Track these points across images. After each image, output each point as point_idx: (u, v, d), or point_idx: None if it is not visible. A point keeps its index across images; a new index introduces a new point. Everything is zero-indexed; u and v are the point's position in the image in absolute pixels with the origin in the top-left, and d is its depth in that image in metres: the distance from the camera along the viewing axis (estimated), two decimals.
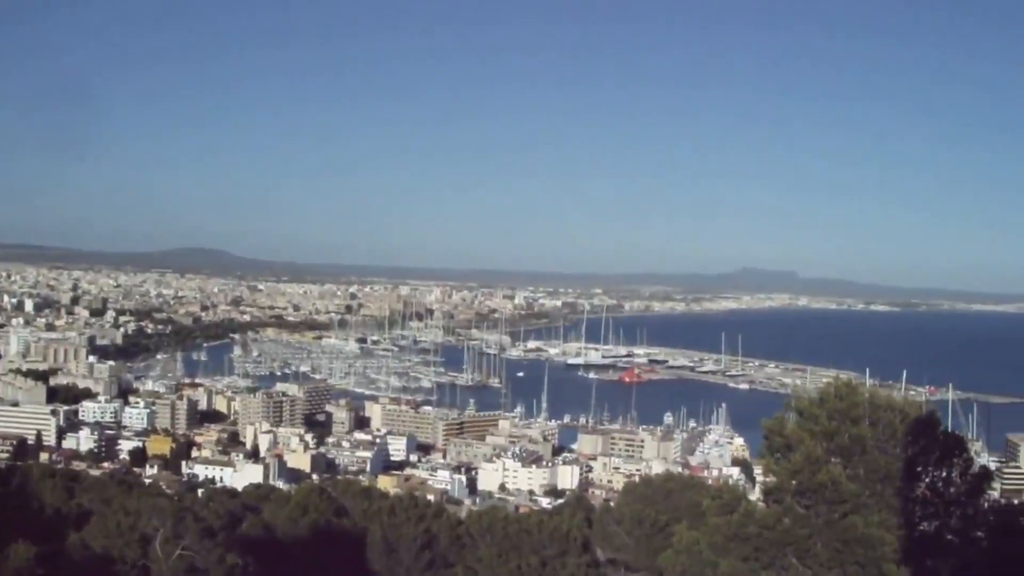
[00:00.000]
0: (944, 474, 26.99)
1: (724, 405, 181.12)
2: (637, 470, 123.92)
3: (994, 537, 27.12)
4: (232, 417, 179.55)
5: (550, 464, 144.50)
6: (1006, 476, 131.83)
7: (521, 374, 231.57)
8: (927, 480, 26.42)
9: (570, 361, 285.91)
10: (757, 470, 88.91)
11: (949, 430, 30.52)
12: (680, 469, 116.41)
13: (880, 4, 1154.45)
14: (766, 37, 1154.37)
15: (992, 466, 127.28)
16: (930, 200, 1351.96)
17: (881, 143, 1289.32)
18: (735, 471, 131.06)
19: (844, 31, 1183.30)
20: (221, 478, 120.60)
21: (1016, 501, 43.32)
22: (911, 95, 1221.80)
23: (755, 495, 25.26)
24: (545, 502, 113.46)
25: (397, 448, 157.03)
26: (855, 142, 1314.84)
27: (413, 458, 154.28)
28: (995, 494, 58.52)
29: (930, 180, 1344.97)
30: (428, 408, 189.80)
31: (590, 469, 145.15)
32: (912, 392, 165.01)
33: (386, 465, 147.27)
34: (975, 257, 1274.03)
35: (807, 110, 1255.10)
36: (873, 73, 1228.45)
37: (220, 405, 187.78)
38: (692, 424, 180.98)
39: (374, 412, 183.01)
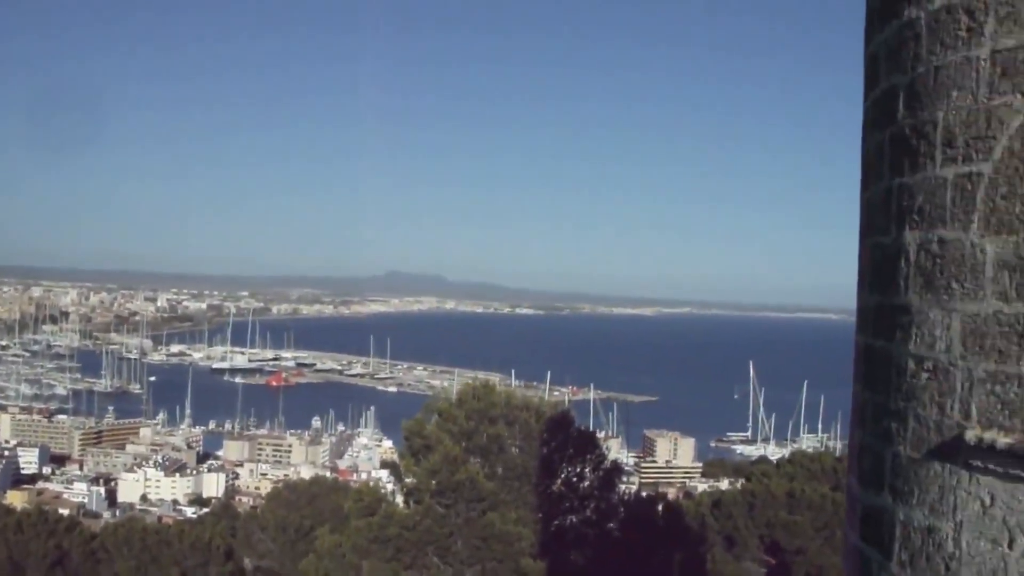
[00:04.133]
0: (578, 470, 28.40)
1: (372, 408, 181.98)
2: (285, 475, 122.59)
3: (627, 528, 28.73)
4: None
5: (194, 472, 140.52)
6: (644, 470, 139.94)
7: (153, 378, 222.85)
8: (562, 476, 27.68)
9: (215, 365, 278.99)
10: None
11: (583, 428, 32.08)
12: (328, 473, 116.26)
13: None
14: (381, 38, 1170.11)
15: (631, 461, 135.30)
16: (572, 207, 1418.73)
17: (521, 150, 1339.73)
18: (384, 473, 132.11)
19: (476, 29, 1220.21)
20: None
21: (648, 494, 45.86)
22: (543, 104, 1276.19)
23: (402, 497, 25.62)
24: (190, 512, 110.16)
25: (28, 460, 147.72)
26: (497, 147, 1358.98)
27: (47, 471, 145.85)
28: (634, 487, 61.97)
29: (570, 189, 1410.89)
30: (63, 417, 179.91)
31: (237, 476, 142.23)
32: (556, 392, 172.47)
33: (16, 479, 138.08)
34: (615, 263, 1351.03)
35: (448, 112, 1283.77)
36: (522, 74, 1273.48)
37: None
38: (341, 427, 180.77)
39: (3, 423, 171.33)
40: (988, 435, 5.51)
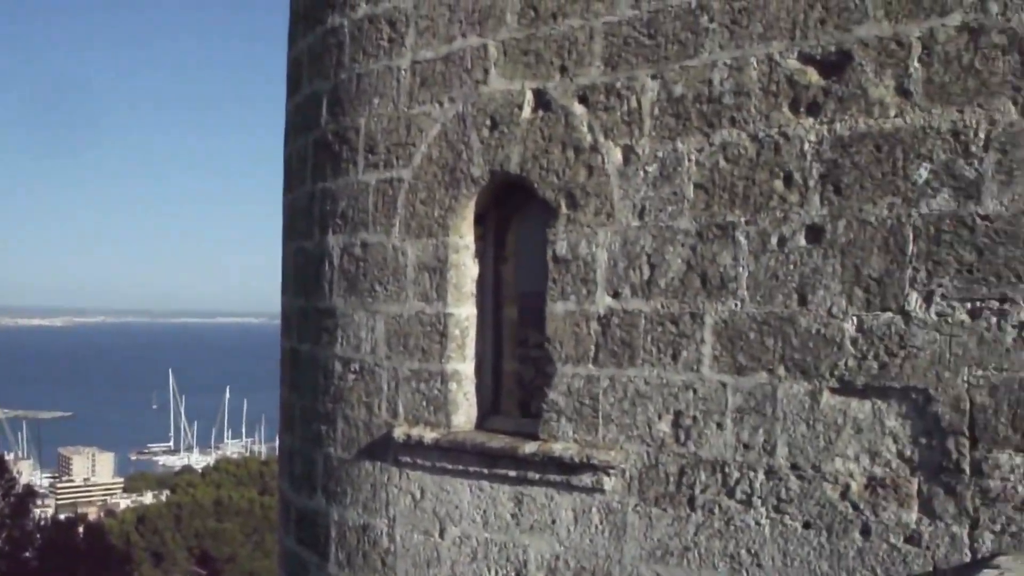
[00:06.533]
0: None
1: None
2: None
3: (45, 555, 27.10)
4: None
5: None
6: (60, 491, 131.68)
7: None
8: None
9: None
10: None
11: None
12: None
13: None
14: None
15: (46, 483, 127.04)
16: None
17: None
18: None
19: None
20: None
21: (67, 516, 43.69)
22: None
23: None
24: None
25: None
26: None
27: None
28: (51, 511, 58.60)
29: None
30: None
31: None
32: None
33: None
34: (22, 271, 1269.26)
35: None
36: None
37: None
38: None
39: None
40: (415, 431, 5.74)
